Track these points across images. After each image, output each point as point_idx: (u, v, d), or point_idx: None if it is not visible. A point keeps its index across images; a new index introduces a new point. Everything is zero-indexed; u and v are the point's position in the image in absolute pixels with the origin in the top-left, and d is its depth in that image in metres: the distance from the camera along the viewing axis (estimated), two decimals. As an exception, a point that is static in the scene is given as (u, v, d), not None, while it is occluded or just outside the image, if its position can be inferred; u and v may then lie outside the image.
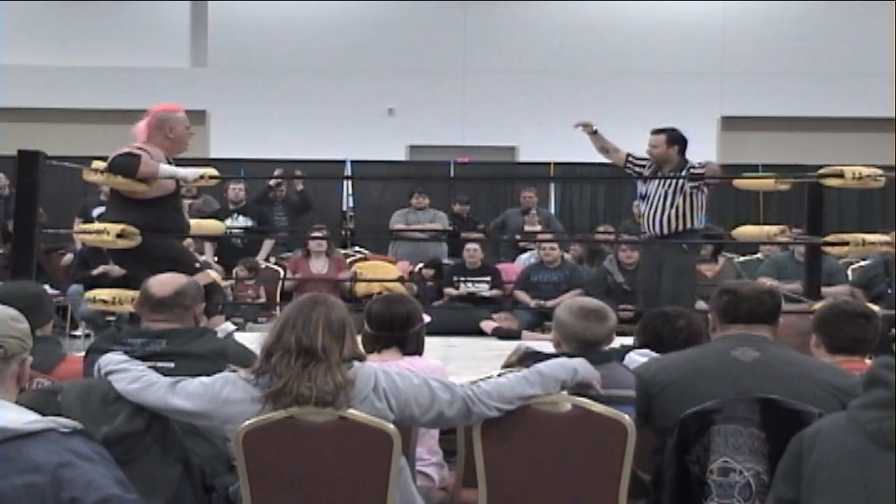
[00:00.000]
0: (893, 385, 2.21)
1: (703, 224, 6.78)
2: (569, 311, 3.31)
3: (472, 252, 8.63)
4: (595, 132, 6.71)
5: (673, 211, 6.48)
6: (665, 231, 6.52)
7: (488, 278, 8.58)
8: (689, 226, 6.51)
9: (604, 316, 3.28)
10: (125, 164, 5.23)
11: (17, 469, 1.89)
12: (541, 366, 3.02)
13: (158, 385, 2.89)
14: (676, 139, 6.68)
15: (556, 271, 8.51)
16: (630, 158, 6.77)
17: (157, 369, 3.19)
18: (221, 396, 2.84)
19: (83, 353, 3.61)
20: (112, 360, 3.01)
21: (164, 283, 3.50)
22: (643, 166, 6.73)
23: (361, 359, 2.92)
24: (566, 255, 9.02)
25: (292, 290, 8.43)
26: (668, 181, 6.50)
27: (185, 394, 2.86)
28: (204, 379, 2.90)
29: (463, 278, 8.55)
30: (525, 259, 9.49)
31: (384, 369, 2.96)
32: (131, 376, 2.93)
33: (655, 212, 6.55)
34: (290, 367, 2.77)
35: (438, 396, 2.90)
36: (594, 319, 3.26)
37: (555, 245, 8.70)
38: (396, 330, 3.69)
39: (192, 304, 3.50)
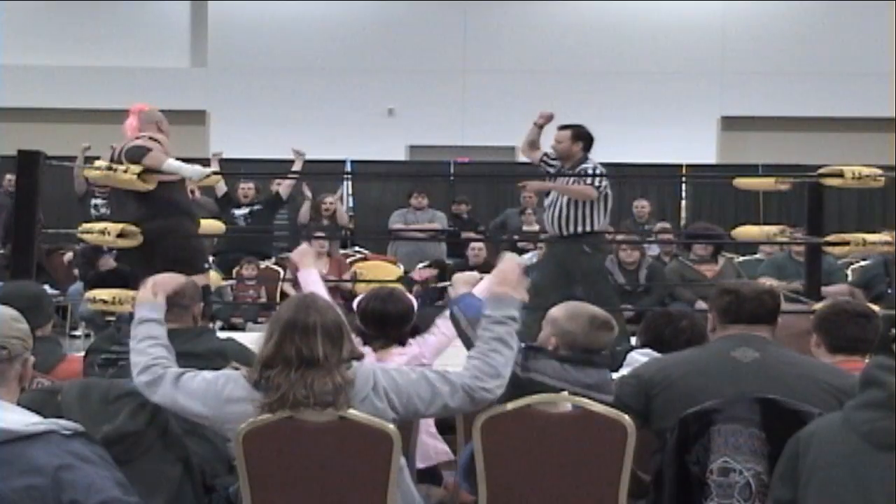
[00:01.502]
0: (888, 386, 2.20)
1: (605, 226, 6.74)
2: (575, 320, 3.25)
3: (477, 251, 8.72)
4: (541, 126, 6.71)
5: (573, 212, 6.44)
6: (564, 232, 6.48)
7: None
8: (589, 227, 6.45)
9: (612, 326, 3.29)
10: (133, 152, 5.46)
11: (18, 471, 1.89)
12: (490, 326, 2.93)
13: (164, 381, 2.86)
14: (582, 136, 6.64)
15: None
16: (544, 157, 6.74)
17: None
18: (224, 395, 2.84)
19: (83, 353, 3.61)
20: (136, 334, 3.01)
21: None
22: (554, 165, 6.69)
23: (359, 358, 2.92)
24: None
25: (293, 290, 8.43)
26: (573, 182, 6.43)
27: (188, 391, 2.84)
28: (207, 375, 2.89)
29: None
30: (527, 259, 9.49)
31: (382, 367, 2.96)
32: (143, 363, 2.91)
33: (556, 212, 6.50)
34: (288, 377, 2.76)
35: (438, 389, 2.86)
36: (605, 330, 3.25)
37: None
38: (392, 328, 3.71)
39: (190, 304, 3.51)
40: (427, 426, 3.84)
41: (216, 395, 2.84)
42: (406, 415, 2.88)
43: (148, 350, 2.95)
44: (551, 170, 6.67)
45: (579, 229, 6.44)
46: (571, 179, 6.49)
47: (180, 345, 3.31)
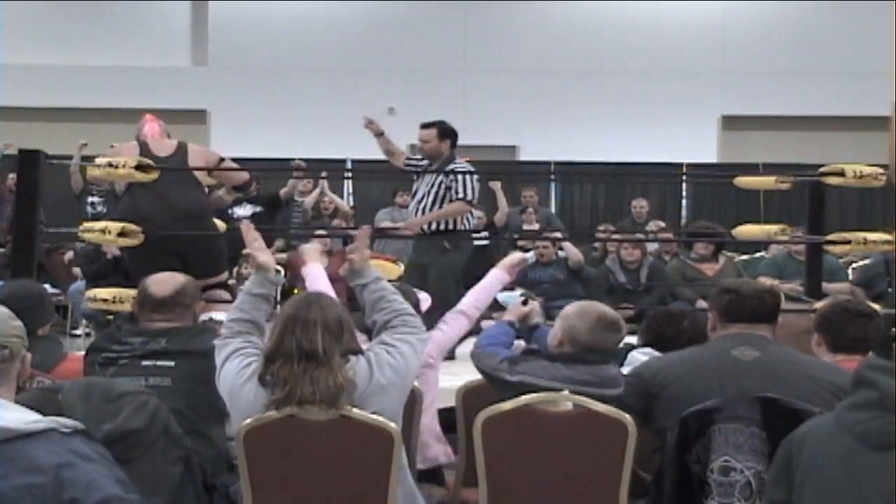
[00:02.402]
0: (880, 386, 2.20)
1: (473, 224, 6.71)
2: (583, 318, 3.28)
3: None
4: (382, 134, 6.67)
5: (437, 210, 6.34)
6: (428, 230, 6.41)
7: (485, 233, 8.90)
8: (451, 226, 6.38)
9: (619, 328, 3.31)
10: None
11: (19, 469, 1.89)
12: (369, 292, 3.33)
13: (220, 354, 3.04)
14: (447, 133, 6.55)
15: (551, 267, 8.54)
16: (406, 161, 6.68)
17: (156, 367, 3.21)
18: (240, 379, 2.91)
19: (83, 352, 3.61)
20: (236, 302, 3.22)
21: (162, 282, 3.49)
22: (418, 166, 6.63)
23: (357, 352, 2.94)
24: (560, 252, 9.05)
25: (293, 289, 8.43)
26: (439, 181, 6.34)
27: (224, 371, 2.99)
28: (239, 360, 2.98)
29: None
30: (529, 258, 9.47)
31: (372, 352, 2.98)
32: (223, 334, 3.12)
33: (421, 210, 6.42)
34: (292, 371, 2.78)
35: (408, 351, 3.06)
36: (612, 331, 3.28)
37: (547, 243, 8.73)
38: None
39: (191, 303, 3.51)
40: (434, 429, 3.84)
41: (235, 376, 2.93)
42: (408, 382, 3.04)
43: (230, 322, 3.14)
44: (418, 169, 6.59)
45: (441, 227, 6.38)
46: (429, 183, 6.39)
47: (179, 343, 3.33)
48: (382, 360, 2.95)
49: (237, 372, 2.93)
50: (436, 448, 3.84)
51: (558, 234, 9.56)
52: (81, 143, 9.35)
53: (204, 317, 4.50)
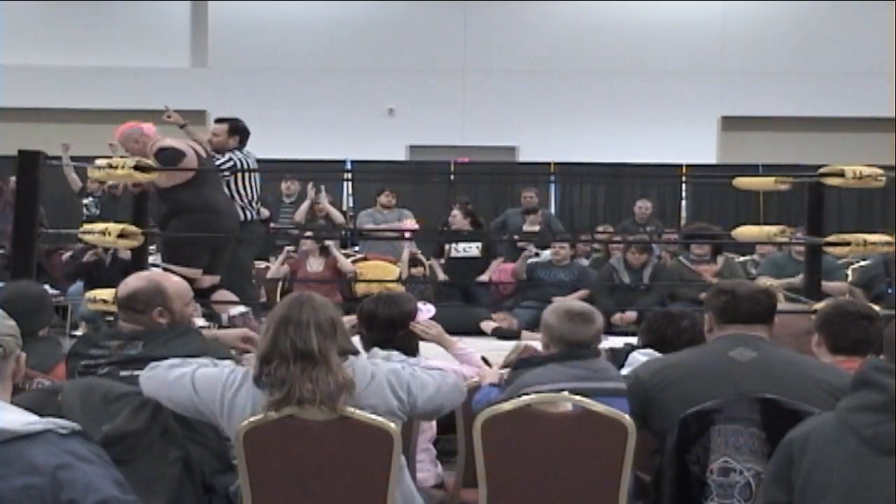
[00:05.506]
0: (889, 389, 2.18)
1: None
2: (555, 315, 3.33)
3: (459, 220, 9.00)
4: (184, 126, 6.71)
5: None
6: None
7: (478, 243, 8.87)
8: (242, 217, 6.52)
9: (589, 319, 3.32)
10: None
11: (16, 471, 1.88)
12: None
13: (184, 381, 2.89)
14: (238, 130, 6.76)
15: (564, 270, 8.53)
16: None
17: (134, 378, 3.03)
18: (231, 389, 2.85)
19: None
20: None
21: (125, 282, 3.41)
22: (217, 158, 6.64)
23: (355, 353, 2.93)
24: (582, 259, 9.06)
25: (291, 290, 8.42)
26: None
27: (199, 386, 2.86)
28: (213, 371, 2.90)
29: (455, 243, 8.82)
30: (545, 256, 9.47)
31: (379, 361, 2.98)
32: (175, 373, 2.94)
33: None
34: (289, 371, 2.76)
35: (427, 380, 2.96)
36: (580, 322, 3.29)
37: (564, 244, 8.71)
38: (397, 330, 3.70)
39: (144, 309, 3.30)
40: (430, 452, 3.83)
41: (224, 389, 2.85)
42: (407, 403, 2.91)
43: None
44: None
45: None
46: None
47: (156, 347, 3.18)
48: (379, 361, 2.96)
49: (223, 384, 2.86)
50: (427, 472, 3.82)
51: (556, 237, 9.56)
52: (64, 144, 9.43)
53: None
